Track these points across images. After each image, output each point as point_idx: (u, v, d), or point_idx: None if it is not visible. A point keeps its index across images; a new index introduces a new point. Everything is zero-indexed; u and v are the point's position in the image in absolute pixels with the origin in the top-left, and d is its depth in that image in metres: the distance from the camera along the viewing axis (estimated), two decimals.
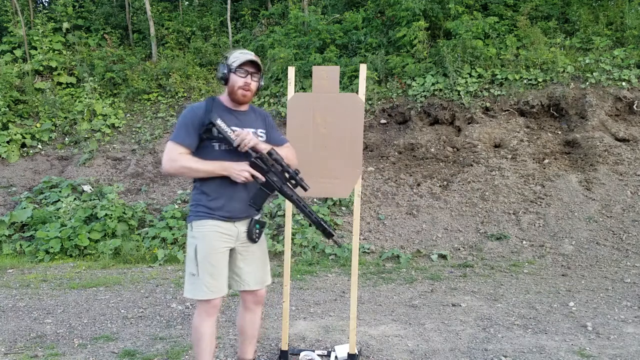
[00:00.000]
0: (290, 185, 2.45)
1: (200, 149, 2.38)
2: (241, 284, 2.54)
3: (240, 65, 2.37)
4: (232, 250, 2.48)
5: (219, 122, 2.32)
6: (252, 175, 2.36)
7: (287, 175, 2.41)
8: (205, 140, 2.37)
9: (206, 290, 2.38)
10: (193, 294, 2.41)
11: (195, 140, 2.36)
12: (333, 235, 2.50)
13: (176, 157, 2.33)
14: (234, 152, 2.36)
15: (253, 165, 2.37)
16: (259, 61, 2.40)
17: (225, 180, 2.38)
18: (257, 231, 2.47)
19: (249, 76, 2.39)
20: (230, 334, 3.67)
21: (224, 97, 2.49)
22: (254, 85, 2.41)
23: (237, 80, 2.38)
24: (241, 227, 2.47)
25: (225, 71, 2.39)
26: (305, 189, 2.45)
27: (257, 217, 2.49)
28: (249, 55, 2.39)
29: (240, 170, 2.33)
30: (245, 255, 2.51)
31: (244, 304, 2.62)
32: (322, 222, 2.47)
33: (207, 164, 2.35)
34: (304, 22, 9.98)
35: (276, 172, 2.40)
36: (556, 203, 6.46)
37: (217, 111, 2.38)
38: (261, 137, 2.52)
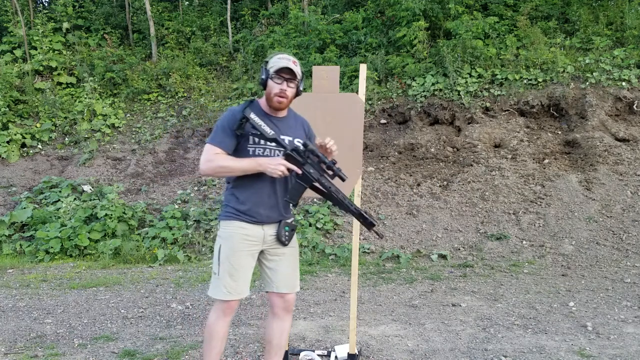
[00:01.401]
0: (328, 177, 2.38)
1: (236, 152, 2.39)
2: (271, 285, 2.52)
3: (277, 72, 2.35)
4: (262, 252, 2.48)
5: (252, 115, 2.31)
6: (289, 169, 2.31)
7: (324, 166, 2.35)
8: (242, 142, 2.37)
9: (225, 291, 2.39)
10: (213, 293, 2.43)
11: (233, 143, 2.37)
12: (375, 225, 2.42)
13: (212, 157, 2.35)
14: (269, 156, 2.38)
15: (288, 157, 2.33)
16: (295, 68, 2.36)
17: (255, 185, 2.38)
18: (287, 234, 2.44)
19: (285, 83, 2.36)
20: (230, 333, 3.67)
21: (262, 101, 2.48)
22: (290, 92, 2.39)
23: (273, 86, 2.37)
24: (269, 230, 2.45)
25: (264, 76, 2.39)
26: (343, 179, 2.35)
27: (288, 220, 2.47)
28: (285, 61, 2.36)
29: (276, 165, 2.29)
30: (274, 257, 2.49)
31: (272, 310, 2.57)
32: (364, 213, 2.39)
33: (242, 161, 2.34)
34: (304, 22, 9.98)
35: (313, 164, 2.35)
36: (556, 203, 6.46)
37: (258, 116, 2.37)
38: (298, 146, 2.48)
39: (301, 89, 2.46)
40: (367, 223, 2.39)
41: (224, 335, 2.48)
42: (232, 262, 2.39)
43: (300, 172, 2.34)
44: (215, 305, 2.47)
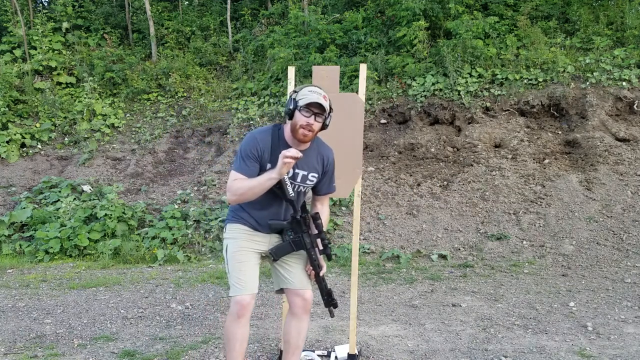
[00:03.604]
0: (318, 251, 2.50)
1: None
2: (286, 282, 2.55)
3: (306, 105, 2.33)
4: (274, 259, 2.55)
5: (285, 178, 2.37)
6: (291, 203, 2.42)
7: (320, 241, 2.47)
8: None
9: (235, 285, 2.44)
10: (230, 292, 2.48)
11: (256, 169, 2.38)
12: (335, 307, 2.56)
13: (231, 185, 2.38)
14: (278, 196, 2.42)
15: (296, 221, 2.45)
16: (325, 103, 2.35)
17: (261, 202, 2.44)
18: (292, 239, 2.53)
19: (313, 116, 2.35)
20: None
21: (287, 130, 2.46)
22: (316, 126, 2.37)
23: (300, 118, 2.35)
24: (274, 238, 2.53)
25: (292, 107, 2.37)
26: (329, 259, 2.51)
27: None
28: (316, 95, 2.33)
29: (281, 161, 2.28)
30: (287, 258, 2.54)
31: (291, 309, 2.60)
32: (331, 294, 2.56)
33: (255, 181, 2.34)
34: (304, 21, 9.98)
35: (311, 235, 2.47)
36: (556, 203, 6.46)
37: (280, 148, 2.35)
38: (311, 181, 2.51)
39: (327, 123, 2.44)
40: (330, 302, 2.56)
41: (243, 336, 2.48)
42: (238, 258, 2.46)
43: (300, 155, 2.35)
44: (230, 307, 2.49)
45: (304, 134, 2.36)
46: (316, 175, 2.52)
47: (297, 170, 2.44)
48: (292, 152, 2.27)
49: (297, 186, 2.46)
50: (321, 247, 2.47)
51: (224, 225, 2.59)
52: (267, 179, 2.32)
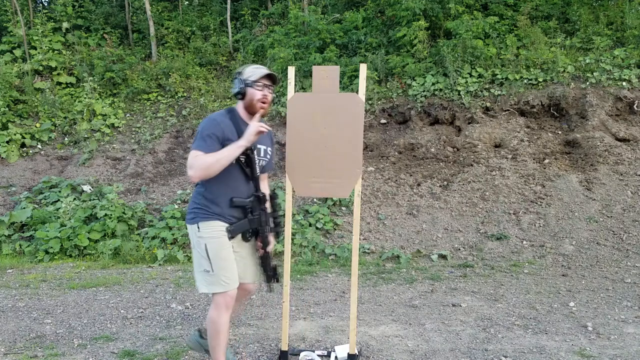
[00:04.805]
0: (270, 229, 2.67)
1: None
2: (240, 277, 2.65)
3: (258, 79, 2.50)
4: None
5: (254, 154, 2.55)
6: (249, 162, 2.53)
7: (273, 220, 2.67)
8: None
9: (224, 283, 2.52)
10: (211, 289, 2.54)
11: (217, 149, 2.44)
12: (272, 281, 2.71)
13: (193, 162, 2.41)
14: (244, 173, 2.55)
15: (257, 199, 2.59)
16: (274, 73, 2.57)
17: (227, 186, 2.53)
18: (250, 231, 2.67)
19: (266, 89, 2.53)
20: (230, 334, 3.65)
21: (240, 109, 2.60)
22: (270, 98, 2.55)
23: (255, 93, 2.50)
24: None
25: (242, 85, 2.51)
26: (278, 237, 2.74)
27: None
28: (264, 69, 2.53)
29: (254, 130, 2.44)
30: (238, 252, 2.65)
31: (237, 299, 2.71)
32: (276, 269, 2.71)
33: (223, 151, 2.42)
34: (304, 21, 9.97)
35: (266, 213, 2.63)
36: (556, 203, 6.46)
37: (241, 126, 2.51)
38: (269, 155, 2.72)
39: (272, 96, 2.62)
40: (273, 277, 2.72)
41: (228, 327, 2.63)
42: (222, 257, 2.53)
43: (268, 130, 2.54)
44: (216, 301, 2.56)
45: (261, 106, 2.52)
46: (271, 149, 2.71)
47: (259, 145, 2.59)
48: (263, 125, 2.46)
49: (260, 160, 2.62)
50: (272, 225, 2.66)
51: (194, 222, 2.56)
52: (236, 147, 2.42)
